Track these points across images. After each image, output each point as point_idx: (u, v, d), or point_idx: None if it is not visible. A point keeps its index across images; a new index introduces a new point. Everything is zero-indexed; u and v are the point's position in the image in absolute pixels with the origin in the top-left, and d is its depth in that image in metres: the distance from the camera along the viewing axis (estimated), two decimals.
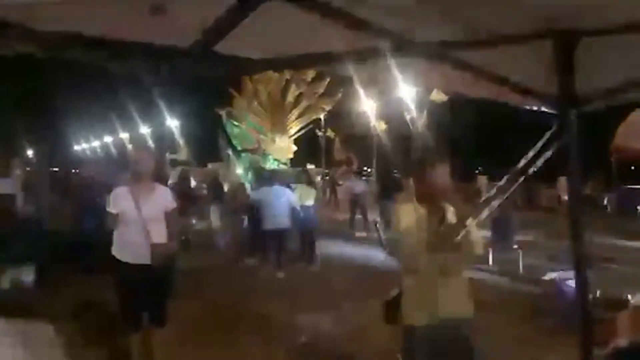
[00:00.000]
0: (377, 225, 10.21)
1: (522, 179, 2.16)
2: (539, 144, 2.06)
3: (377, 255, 9.65)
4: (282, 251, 8.68)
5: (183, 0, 1.44)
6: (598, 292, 5.19)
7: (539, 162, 2.05)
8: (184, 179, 15.09)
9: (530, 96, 2.16)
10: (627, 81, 2.04)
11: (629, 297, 5.03)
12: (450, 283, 2.86)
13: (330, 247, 10.73)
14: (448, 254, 2.75)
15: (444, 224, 2.82)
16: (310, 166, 29.11)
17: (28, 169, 16.72)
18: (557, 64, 1.88)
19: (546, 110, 2.21)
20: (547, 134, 2.07)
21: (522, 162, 2.11)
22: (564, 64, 1.87)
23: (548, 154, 2.03)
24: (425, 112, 25.60)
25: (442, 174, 2.83)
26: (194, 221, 12.03)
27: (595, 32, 1.73)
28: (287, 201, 8.63)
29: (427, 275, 2.77)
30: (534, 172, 2.12)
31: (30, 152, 36.53)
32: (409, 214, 2.87)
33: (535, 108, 2.36)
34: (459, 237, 2.68)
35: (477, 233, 2.81)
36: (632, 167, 23.84)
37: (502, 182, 2.29)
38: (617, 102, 2.27)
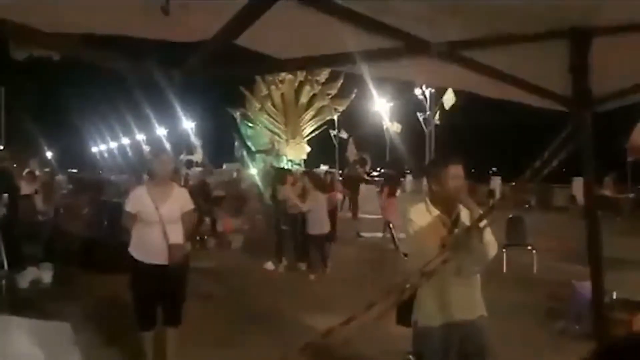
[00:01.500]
0: (391, 225, 10.18)
1: (536, 179, 2.14)
2: (554, 145, 2.04)
3: (391, 256, 9.64)
4: (325, 254, 8.82)
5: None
6: (615, 294, 5.12)
7: (554, 163, 2.04)
8: (237, 182, 15.06)
9: (544, 96, 2.15)
10: None
11: None
12: (464, 284, 2.85)
13: (341, 248, 10.73)
14: (462, 256, 2.74)
15: (457, 225, 2.82)
16: (324, 167, 29.09)
17: (47, 169, 16.99)
18: (571, 64, 1.86)
19: (561, 110, 2.19)
20: (562, 134, 2.05)
21: (537, 163, 2.10)
22: (578, 64, 1.85)
23: (562, 154, 2.01)
24: (438, 113, 25.47)
25: (455, 175, 2.81)
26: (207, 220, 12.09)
27: (610, 31, 1.72)
28: (327, 206, 8.94)
29: (441, 276, 2.76)
30: (548, 172, 2.10)
31: (48, 154, 37.11)
32: (422, 215, 2.86)
33: (549, 108, 2.35)
34: (472, 238, 2.67)
35: (491, 234, 2.80)
36: None
37: (516, 183, 2.27)
38: (632, 102, 2.24)
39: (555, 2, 1.53)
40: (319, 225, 8.62)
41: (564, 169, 2.25)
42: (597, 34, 1.74)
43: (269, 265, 8.98)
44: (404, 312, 2.95)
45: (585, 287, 5.04)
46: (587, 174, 2.17)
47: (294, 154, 33.59)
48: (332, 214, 9.51)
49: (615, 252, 8.47)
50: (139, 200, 4.18)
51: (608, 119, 2.79)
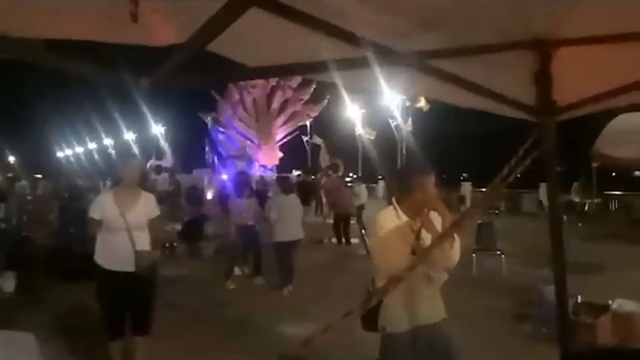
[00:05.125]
0: (363, 231, 10.21)
1: (504, 185, 2.19)
2: (520, 152, 2.10)
3: (362, 263, 9.68)
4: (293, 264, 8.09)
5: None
6: (579, 298, 5.25)
7: (519, 170, 2.09)
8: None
9: (510, 105, 2.20)
10: (605, 90, 2.09)
11: (610, 302, 5.10)
12: (429, 288, 2.89)
13: (311, 256, 10.74)
14: (430, 261, 2.77)
15: (427, 231, 2.85)
16: (296, 172, 29.06)
17: (10, 175, 16.50)
18: (535, 74, 1.92)
19: (525, 118, 2.25)
20: (528, 142, 2.10)
21: (505, 170, 2.14)
22: (542, 74, 1.91)
23: (528, 161, 2.07)
24: (410, 120, 25.75)
25: (425, 181, 2.85)
26: (177, 227, 11.90)
27: (572, 43, 1.78)
28: (301, 210, 8.30)
29: (409, 282, 2.79)
30: (517, 178, 2.15)
31: (11, 159, 36.03)
32: (391, 221, 2.88)
33: (516, 116, 2.41)
34: (440, 244, 2.71)
35: (458, 240, 2.84)
36: (613, 174, 24.24)
37: (485, 189, 2.32)
38: (595, 111, 2.32)
39: (520, 15, 1.58)
40: (284, 231, 7.89)
41: (532, 175, 2.31)
42: (560, 45, 1.80)
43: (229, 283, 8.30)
44: (370, 317, 2.96)
45: (552, 291, 5.15)
46: (550, 179, 2.24)
47: (266, 159, 33.45)
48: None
49: (580, 257, 8.73)
50: (103, 206, 4.09)
51: (578, 126, 2.87)
